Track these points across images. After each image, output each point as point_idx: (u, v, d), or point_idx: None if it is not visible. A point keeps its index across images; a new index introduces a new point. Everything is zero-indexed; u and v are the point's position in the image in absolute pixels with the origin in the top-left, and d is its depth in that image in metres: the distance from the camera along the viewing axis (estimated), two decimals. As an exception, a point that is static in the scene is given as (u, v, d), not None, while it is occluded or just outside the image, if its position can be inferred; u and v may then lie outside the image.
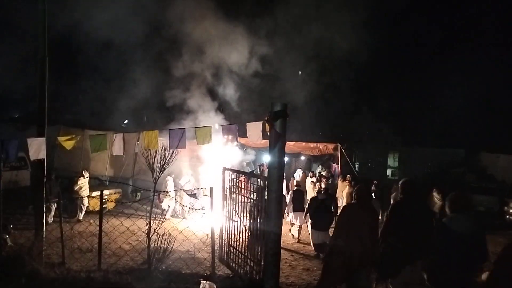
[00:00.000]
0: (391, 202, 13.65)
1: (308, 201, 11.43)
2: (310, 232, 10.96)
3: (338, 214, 6.29)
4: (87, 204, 13.67)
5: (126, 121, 33.08)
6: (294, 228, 12.38)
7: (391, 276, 5.69)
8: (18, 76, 27.19)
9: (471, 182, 19.43)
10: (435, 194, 14.55)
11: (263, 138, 8.44)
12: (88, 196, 13.51)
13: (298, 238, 12.28)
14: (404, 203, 5.89)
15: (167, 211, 14.02)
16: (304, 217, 11.50)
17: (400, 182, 6.20)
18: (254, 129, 6.80)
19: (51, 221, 12.13)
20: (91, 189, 14.26)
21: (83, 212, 13.54)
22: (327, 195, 10.97)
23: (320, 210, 10.24)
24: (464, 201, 5.04)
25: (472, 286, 4.79)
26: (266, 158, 23.25)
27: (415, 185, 6.14)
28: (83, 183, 13.73)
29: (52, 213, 12.35)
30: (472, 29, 29.50)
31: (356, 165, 22.15)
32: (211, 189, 8.48)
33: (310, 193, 14.96)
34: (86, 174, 13.85)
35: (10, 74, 28.30)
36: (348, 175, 16.25)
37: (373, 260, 5.58)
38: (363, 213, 5.95)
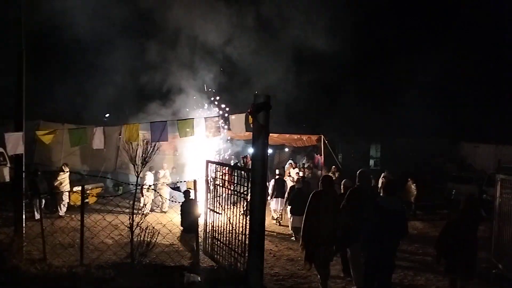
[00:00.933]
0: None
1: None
2: (289, 217, 11.74)
3: (308, 201, 7.02)
4: (68, 200, 13.47)
5: (107, 115, 32.62)
6: (275, 213, 13.76)
7: (344, 249, 7.24)
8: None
9: (451, 171, 19.79)
10: (410, 183, 14.95)
11: (247, 130, 8.42)
12: (69, 191, 13.31)
13: (279, 221, 13.54)
14: (359, 190, 6.95)
15: (145, 205, 13.87)
16: (284, 204, 12.73)
17: (357, 172, 7.12)
18: (237, 121, 6.79)
19: (39, 216, 11.90)
20: (72, 184, 14.04)
21: (65, 208, 13.34)
22: (304, 184, 12.08)
23: (297, 197, 10.77)
24: (393, 186, 6.33)
25: (394, 254, 5.98)
26: (250, 150, 23.24)
27: (368, 174, 7.33)
28: (64, 178, 13.50)
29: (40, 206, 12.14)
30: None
31: (339, 156, 22.29)
32: (194, 182, 8.45)
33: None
34: (67, 169, 13.61)
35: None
36: (334, 166, 16.38)
37: (334, 237, 6.70)
38: (327, 199, 6.89)
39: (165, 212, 13.79)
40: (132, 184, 8.12)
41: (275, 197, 13.35)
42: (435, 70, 26.14)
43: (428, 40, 29.73)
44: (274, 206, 13.55)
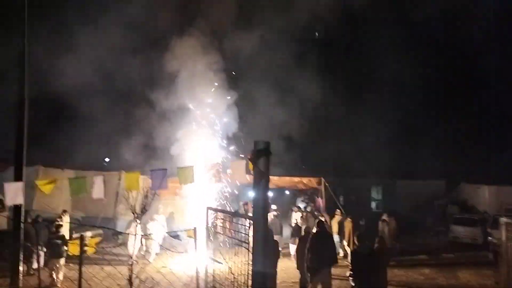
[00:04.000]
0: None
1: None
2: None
3: (309, 239, 9.21)
4: (67, 248, 13.14)
5: (107, 159, 32.64)
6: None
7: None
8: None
9: (454, 213, 19.57)
10: (384, 221, 14.82)
11: (247, 173, 8.38)
12: (68, 240, 13.03)
13: None
14: (319, 234, 9.37)
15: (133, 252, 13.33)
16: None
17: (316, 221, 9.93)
18: (238, 168, 6.77)
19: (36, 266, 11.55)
20: (72, 231, 13.80)
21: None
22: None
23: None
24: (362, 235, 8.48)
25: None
26: (251, 194, 23.05)
27: (323, 222, 10.33)
28: (61, 224, 13.23)
29: (42, 257, 11.80)
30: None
31: (341, 199, 22.08)
32: (194, 229, 8.30)
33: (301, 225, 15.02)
34: (66, 217, 13.35)
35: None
36: (338, 210, 16.20)
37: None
38: (322, 238, 9.19)
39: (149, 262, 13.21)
40: (132, 234, 7.97)
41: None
42: (433, 113, 26.50)
43: (426, 84, 30.21)
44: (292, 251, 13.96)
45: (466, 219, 17.52)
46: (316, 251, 8.95)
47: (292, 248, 13.92)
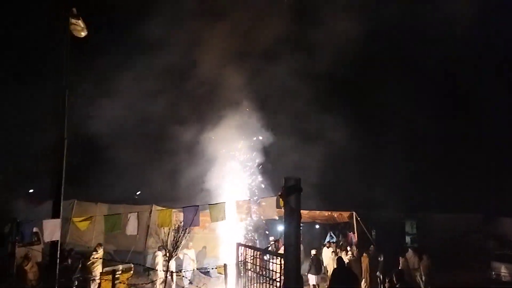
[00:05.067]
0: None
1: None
2: None
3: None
4: (99, 282, 13.27)
5: (139, 192, 33.20)
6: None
7: None
8: (33, 151, 28.08)
9: (492, 248, 18.65)
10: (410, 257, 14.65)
11: (277, 208, 8.35)
12: (102, 273, 13.16)
13: None
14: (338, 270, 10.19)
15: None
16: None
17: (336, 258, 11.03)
18: (268, 205, 6.77)
19: None
20: (103, 265, 13.96)
21: None
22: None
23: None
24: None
25: None
26: (280, 229, 22.85)
27: (342, 259, 11.10)
28: (96, 258, 13.41)
29: None
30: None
31: (373, 233, 21.50)
32: (225, 266, 8.26)
33: (330, 263, 14.70)
34: (100, 250, 13.56)
35: (25, 150, 29.26)
36: (372, 246, 15.85)
37: None
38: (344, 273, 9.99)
39: None
40: (165, 271, 8.03)
41: (312, 273, 14.59)
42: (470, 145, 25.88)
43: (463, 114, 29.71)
44: (311, 280, 14.71)
45: (508, 255, 16.66)
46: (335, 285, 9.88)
47: (311, 279, 14.71)
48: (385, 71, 29.18)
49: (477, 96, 29.53)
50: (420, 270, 14.31)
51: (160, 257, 13.35)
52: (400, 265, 14.04)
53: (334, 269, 10.99)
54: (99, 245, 13.95)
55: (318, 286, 14.94)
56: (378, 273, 14.47)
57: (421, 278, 14.31)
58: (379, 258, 14.74)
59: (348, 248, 15.94)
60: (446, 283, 15.01)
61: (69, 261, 12.13)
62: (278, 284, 6.71)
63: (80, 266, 12.82)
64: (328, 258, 15.73)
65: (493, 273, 16.44)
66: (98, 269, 13.28)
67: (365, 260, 14.39)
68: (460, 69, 26.13)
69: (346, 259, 14.91)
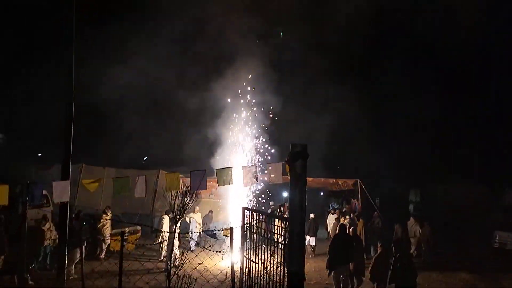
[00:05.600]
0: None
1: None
2: None
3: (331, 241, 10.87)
4: (109, 243, 13.67)
5: (145, 158, 33.61)
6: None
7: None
8: (42, 116, 28.32)
9: (498, 219, 18.77)
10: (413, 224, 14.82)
11: (283, 175, 8.40)
12: (111, 235, 13.53)
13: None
14: (339, 236, 10.70)
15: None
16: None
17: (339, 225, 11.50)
18: (275, 170, 6.84)
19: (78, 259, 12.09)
20: (111, 227, 14.32)
21: (104, 250, 13.55)
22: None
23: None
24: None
25: None
26: (285, 195, 23.16)
27: (344, 226, 11.30)
28: (106, 221, 13.77)
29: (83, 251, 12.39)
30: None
31: (377, 200, 21.69)
32: (230, 229, 8.42)
33: (333, 229, 14.93)
34: (109, 213, 13.90)
35: (34, 114, 29.52)
36: (375, 213, 16.04)
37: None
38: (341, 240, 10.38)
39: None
40: (171, 232, 8.25)
41: (310, 235, 15.03)
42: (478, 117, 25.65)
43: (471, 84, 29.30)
44: (312, 242, 15.28)
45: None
46: (334, 251, 10.16)
47: (311, 240, 15.27)
48: (394, 44, 28.86)
49: (486, 67, 29.09)
50: (420, 238, 14.48)
51: (166, 220, 13.67)
52: (395, 231, 14.20)
53: (335, 235, 11.33)
54: (108, 207, 14.27)
55: (315, 247, 15.39)
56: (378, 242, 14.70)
57: (421, 246, 14.53)
58: (377, 224, 14.92)
59: (335, 214, 16.14)
60: (446, 252, 15.22)
61: (73, 222, 12.45)
62: (282, 246, 6.89)
63: (88, 227, 13.20)
64: (331, 224, 15.93)
65: (497, 242, 16.59)
66: (107, 230, 13.67)
67: (359, 225, 14.58)
68: (468, 43, 25.55)
69: (331, 218, 15.60)
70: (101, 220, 13.60)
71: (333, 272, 10.27)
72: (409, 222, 15.17)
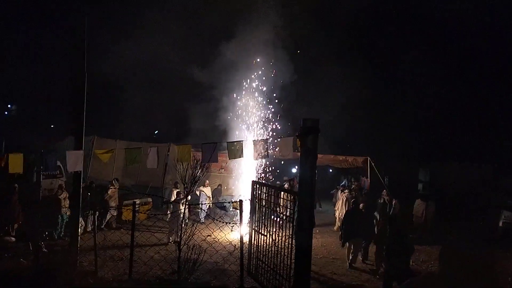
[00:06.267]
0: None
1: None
2: None
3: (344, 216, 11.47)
4: (114, 214, 13.87)
5: (156, 132, 33.84)
6: None
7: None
8: (55, 88, 28.51)
9: (506, 198, 18.69)
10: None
11: (294, 151, 8.44)
12: (117, 206, 13.75)
13: None
14: (352, 211, 11.20)
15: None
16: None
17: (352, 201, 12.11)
18: (285, 144, 6.86)
19: (90, 228, 12.37)
20: (123, 198, 14.57)
21: (106, 221, 13.71)
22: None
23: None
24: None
25: None
26: (296, 170, 23.27)
27: (357, 202, 11.74)
28: (114, 192, 13.98)
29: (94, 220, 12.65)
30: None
31: (386, 179, 21.69)
32: (240, 202, 8.53)
33: (343, 206, 15.02)
34: (116, 184, 14.05)
35: (47, 86, 29.73)
36: (384, 190, 16.07)
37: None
38: (354, 215, 10.81)
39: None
40: (181, 203, 8.41)
41: None
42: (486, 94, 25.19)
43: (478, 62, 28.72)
44: None
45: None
46: (348, 225, 10.63)
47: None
48: (403, 23, 28.33)
49: (494, 47, 28.43)
50: (425, 217, 14.50)
51: (175, 193, 13.79)
52: (393, 207, 14.23)
53: (349, 210, 11.65)
54: (116, 179, 14.45)
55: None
56: (376, 214, 14.64)
57: (426, 225, 14.57)
58: (379, 200, 14.95)
59: (346, 191, 16.13)
60: (449, 230, 15.24)
61: (90, 192, 12.69)
62: (291, 219, 6.99)
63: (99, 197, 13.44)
64: (340, 200, 15.99)
65: (503, 221, 16.57)
66: (114, 202, 13.87)
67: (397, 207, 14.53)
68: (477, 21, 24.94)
69: (344, 197, 15.37)
70: (108, 192, 13.77)
71: (347, 243, 10.77)
72: (417, 201, 15.21)
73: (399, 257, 8.29)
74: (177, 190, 13.31)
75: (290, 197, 7.19)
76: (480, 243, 13.72)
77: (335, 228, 15.69)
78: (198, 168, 7.68)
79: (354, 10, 19.20)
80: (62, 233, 11.69)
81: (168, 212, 13.28)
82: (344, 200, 15.14)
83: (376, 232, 11.10)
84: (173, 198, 13.38)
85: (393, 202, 14.45)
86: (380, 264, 10.25)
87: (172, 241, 11.50)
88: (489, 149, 24.65)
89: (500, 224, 16.44)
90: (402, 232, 8.91)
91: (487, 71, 28.64)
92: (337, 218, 15.73)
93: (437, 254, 12.39)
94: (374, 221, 13.64)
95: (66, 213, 11.59)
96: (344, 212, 14.60)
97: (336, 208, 15.96)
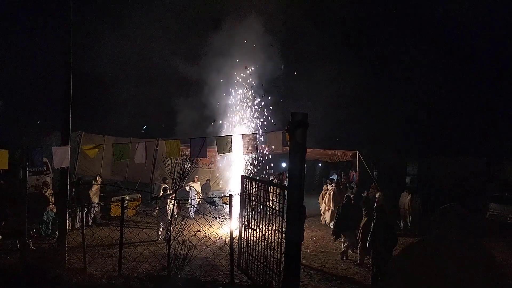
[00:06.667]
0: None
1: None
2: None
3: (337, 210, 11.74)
4: (97, 210, 13.71)
5: (145, 127, 33.60)
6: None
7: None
8: (41, 83, 28.12)
9: (493, 191, 18.95)
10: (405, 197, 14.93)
11: (283, 146, 8.41)
12: (99, 203, 13.57)
13: None
14: (344, 205, 11.41)
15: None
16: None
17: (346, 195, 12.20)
18: (275, 138, 6.85)
19: (78, 225, 12.23)
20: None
21: (92, 217, 13.58)
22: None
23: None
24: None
25: None
26: (285, 165, 23.32)
27: (349, 197, 11.95)
28: (97, 189, 13.74)
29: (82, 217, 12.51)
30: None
31: (375, 172, 21.86)
32: (230, 196, 8.51)
33: (330, 200, 15.01)
34: (99, 180, 13.87)
35: (33, 81, 29.30)
36: (373, 184, 16.16)
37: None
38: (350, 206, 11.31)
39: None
40: (170, 198, 8.35)
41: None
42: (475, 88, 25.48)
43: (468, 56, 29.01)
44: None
45: (507, 197, 16.93)
46: (340, 219, 11.09)
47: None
48: (394, 16, 28.58)
49: (488, 37, 28.74)
50: (409, 210, 14.60)
51: (163, 188, 13.57)
52: (377, 199, 14.28)
53: (343, 204, 11.68)
54: (99, 176, 14.26)
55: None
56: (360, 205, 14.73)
57: (409, 218, 14.67)
58: (362, 194, 15.03)
59: (332, 184, 16.15)
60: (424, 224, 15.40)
61: (78, 190, 12.55)
62: (281, 213, 7.00)
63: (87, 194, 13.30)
64: (327, 194, 16.05)
65: (490, 213, 16.79)
66: (96, 198, 13.70)
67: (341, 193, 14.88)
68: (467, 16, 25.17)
69: (330, 189, 15.46)
70: (93, 189, 13.55)
71: (342, 236, 11.20)
72: (402, 194, 15.32)
73: (385, 247, 8.41)
74: (165, 185, 13.24)
75: (280, 191, 7.19)
76: (465, 235, 13.90)
77: (322, 221, 15.78)
78: (188, 162, 7.62)
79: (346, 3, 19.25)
80: (50, 230, 11.58)
81: (156, 207, 13.15)
82: (331, 194, 15.17)
83: (362, 228, 10.91)
84: (161, 194, 13.28)
85: (377, 194, 14.51)
86: (364, 257, 10.46)
87: (161, 237, 11.44)
88: (479, 143, 24.95)
89: (487, 216, 16.70)
90: (390, 223, 9.01)
91: (477, 65, 28.97)
92: (322, 212, 15.81)
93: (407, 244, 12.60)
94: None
95: (52, 210, 11.47)
96: (331, 205, 14.80)
97: (322, 202, 15.95)
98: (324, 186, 16.56)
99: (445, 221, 12.38)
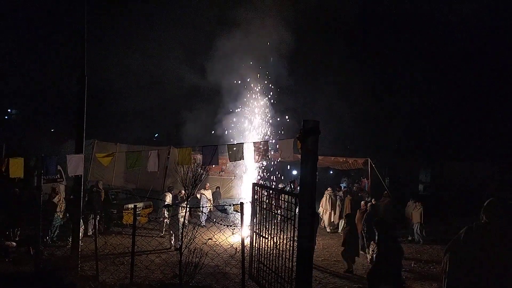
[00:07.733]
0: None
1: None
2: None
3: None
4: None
5: (156, 135, 33.89)
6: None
7: None
8: (55, 92, 28.59)
9: (506, 197, 18.62)
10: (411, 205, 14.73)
11: (294, 153, 8.41)
12: (100, 212, 13.60)
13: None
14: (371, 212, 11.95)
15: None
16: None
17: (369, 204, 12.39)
18: (286, 146, 6.85)
19: (91, 232, 12.30)
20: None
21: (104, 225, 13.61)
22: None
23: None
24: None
25: None
26: (296, 173, 23.26)
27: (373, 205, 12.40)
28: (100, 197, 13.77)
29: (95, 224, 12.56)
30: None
31: (386, 180, 21.67)
32: (241, 204, 8.50)
33: (327, 203, 15.71)
34: (100, 186, 13.93)
35: (48, 90, 29.82)
36: (385, 191, 16.01)
37: None
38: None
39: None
40: (181, 206, 8.40)
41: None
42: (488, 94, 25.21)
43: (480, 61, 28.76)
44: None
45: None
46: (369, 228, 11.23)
47: None
48: (403, 24, 28.58)
49: (498, 43, 28.49)
50: (412, 219, 14.40)
51: (169, 197, 13.50)
52: (375, 211, 14.09)
53: (367, 214, 12.03)
54: (100, 182, 14.33)
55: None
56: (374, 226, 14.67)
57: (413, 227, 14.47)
58: (366, 199, 14.84)
59: (329, 189, 16.53)
60: (438, 232, 15.20)
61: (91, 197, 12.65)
62: (293, 222, 6.96)
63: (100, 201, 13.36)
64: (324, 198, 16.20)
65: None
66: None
67: (347, 201, 15.22)
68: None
69: (326, 194, 16.03)
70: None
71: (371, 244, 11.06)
72: (408, 203, 15.07)
73: (390, 260, 8.11)
74: (170, 194, 13.30)
75: (291, 199, 7.16)
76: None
77: (328, 230, 15.75)
78: (200, 169, 7.65)
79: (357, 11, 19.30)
80: (55, 237, 11.67)
81: (167, 215, 13.09)
82: (327, 197, 15.66)
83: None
84: (166, 202, 13.25)
85: (377, 205, 14.27)
86: (350, 264, 10.55)
87: (174, 245, 11.42)
88: (491, 149, 24.64)
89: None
90: (392, 234, 8.63)
91: (492, 71, 28.71)
92: (326, 220, 15.80)
93: (437, 255, 12.44)
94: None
95: (59, 217, 11.55)
96: (328, 208, 15.53)
97: (323, 208, 15.91)
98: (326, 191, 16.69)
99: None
